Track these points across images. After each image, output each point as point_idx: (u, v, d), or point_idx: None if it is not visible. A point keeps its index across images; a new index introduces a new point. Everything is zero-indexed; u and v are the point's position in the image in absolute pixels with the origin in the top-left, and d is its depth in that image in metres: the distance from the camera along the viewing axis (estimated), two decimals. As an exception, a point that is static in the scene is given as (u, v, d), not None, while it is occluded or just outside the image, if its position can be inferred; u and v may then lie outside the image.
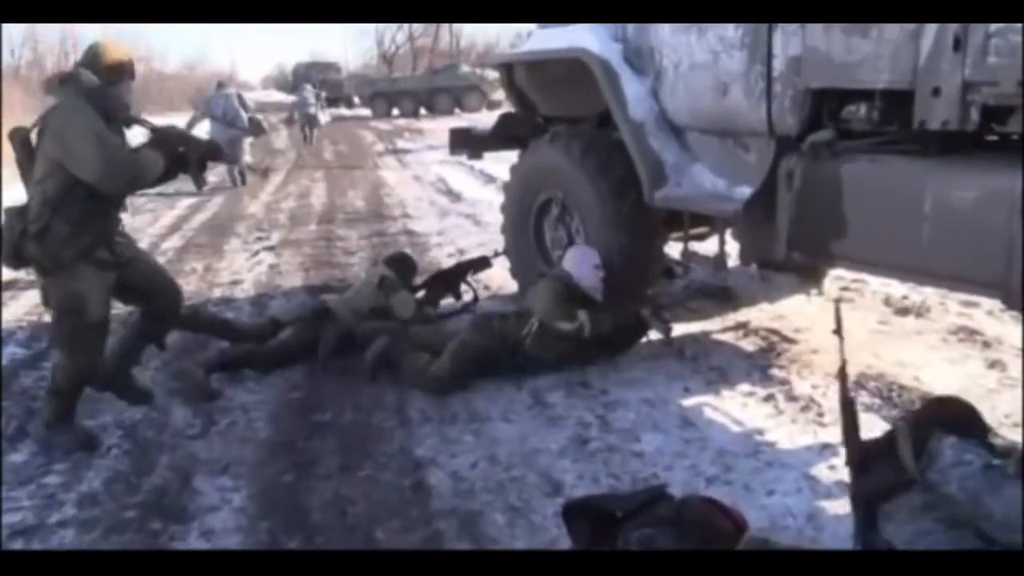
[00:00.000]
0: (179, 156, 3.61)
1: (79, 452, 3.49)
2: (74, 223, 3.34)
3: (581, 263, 4.31)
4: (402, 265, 5.00)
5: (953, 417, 2.06)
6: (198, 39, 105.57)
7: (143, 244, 8.18)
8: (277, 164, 15.73)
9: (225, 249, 7.87)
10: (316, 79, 31.18)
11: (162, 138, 3.61)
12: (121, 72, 3.50)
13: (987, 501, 1.82)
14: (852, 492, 2.14)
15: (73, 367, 3.51)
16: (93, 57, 3.47)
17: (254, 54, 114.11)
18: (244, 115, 11.91)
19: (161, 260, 7.37)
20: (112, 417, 3.87)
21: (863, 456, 2.15)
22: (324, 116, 20.74)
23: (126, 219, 7.86)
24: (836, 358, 3.88)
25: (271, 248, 7.78)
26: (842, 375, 2.36)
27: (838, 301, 2.85)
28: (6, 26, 41.23)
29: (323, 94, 23.84)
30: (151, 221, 9.77)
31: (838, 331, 2.43)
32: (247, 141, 12.74)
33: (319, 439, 3.58)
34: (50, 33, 41.00)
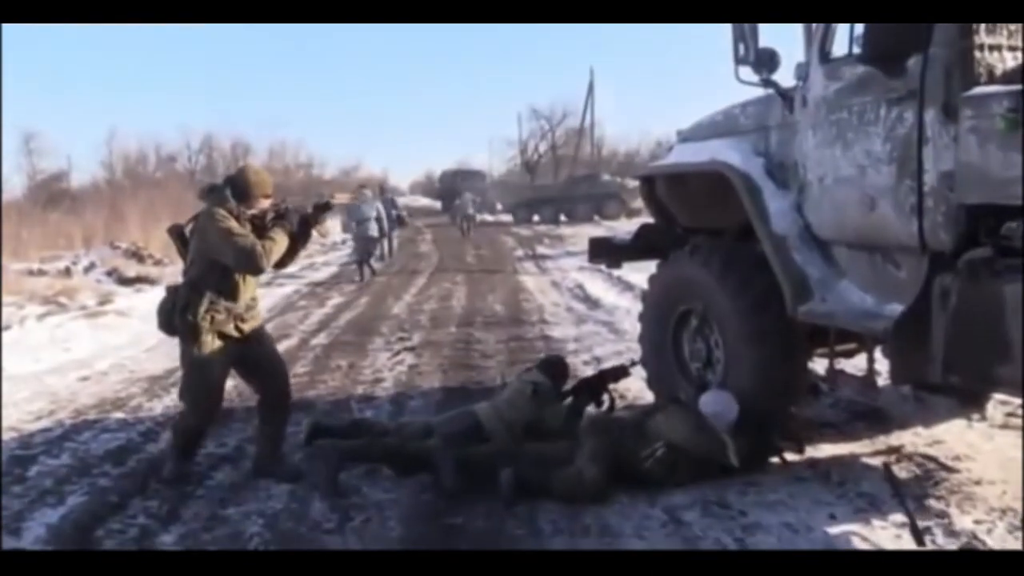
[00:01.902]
0: (302, 221, 4.39)
1: (178, 481, 4.27)
2: (209, 302, 4.16)
3: (717, 416, 4.18)
4: (555, 370, 4.89)
5: None
6: (354, 148, 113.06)
7: (294, 340, 8.66)
8: (421, 267, 16.40)
9: (369, 348, 8.19)
10: (461, 186, 32.59)
11: (281, 215, 4.34)
12: (255, 191, 4.29)
13: None
14: None
15: (192, 416, 4.33)
16: (238, 175, 4.37)
17: (404, 161, 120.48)
18: (394, 213, 16.49)
19: (309, 356, 7.79)
20: (256, 506, 4.03)
21: None
22: (478, 216, 26.72)
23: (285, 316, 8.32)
24: (1002, 491, 3.61)
25: (412, 349, 8.03)
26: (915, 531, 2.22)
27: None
28: (184, 136, 45.61)
29: (478, 199, 28.00)
30: (302, 318, 10.33)
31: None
32: (396, 232, 17.39)
33: (450, 543, 3.58)
34: (223, 141, 45.05)
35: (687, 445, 4.06)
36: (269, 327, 9.45)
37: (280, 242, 4.25)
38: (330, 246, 23.29)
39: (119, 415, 5.80)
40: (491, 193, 37.65)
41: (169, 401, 6.09)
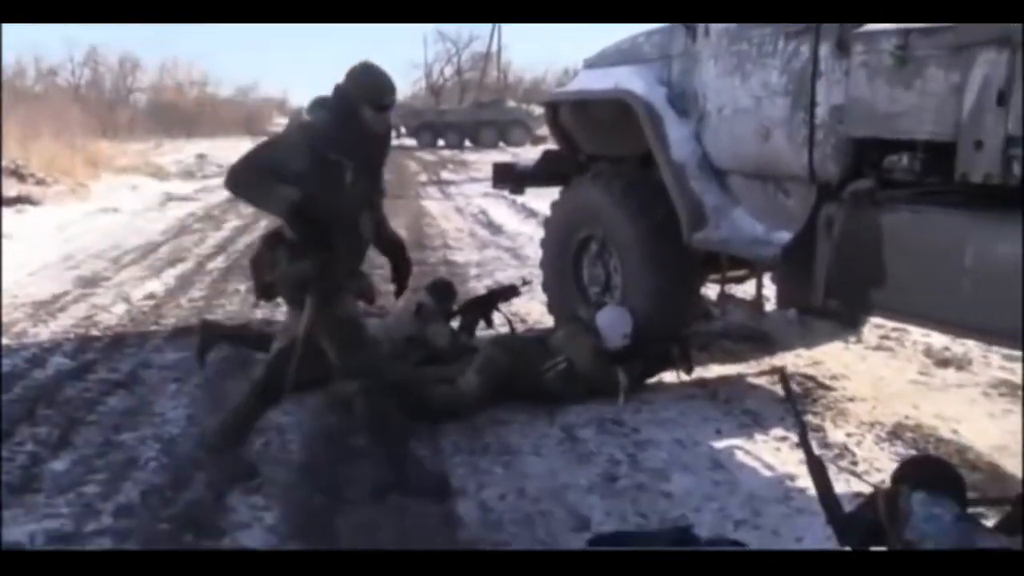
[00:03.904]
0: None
1: (438, 497, 3.27)
2: (309, 263, 3.19)
3: (612, 327, 4.40)
4: (442, 293, 5.03)
5: (927, 476, 2.07)
6: (252, 66, 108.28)
7: (189, 263, 8.40)
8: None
9: (268, 272, 8.00)
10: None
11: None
12: (355, 93, 3.18)
13: None
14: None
15: (376, 390, 3.36)
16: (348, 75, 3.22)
17: (305, 82, 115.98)
18: None
19: (206, 279, 7.58)
20: (151, 431, 3.96)
21: (849, 518, 2.16)
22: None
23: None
24: (872, 407, 3.88)
25: (313, 273, 7.89)
26: (803, 437, 2.41)
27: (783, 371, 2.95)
28: (67, 48, 42.66)
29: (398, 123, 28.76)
30: (198, 241, 10.00)
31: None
32: None
33: (351, 464, 3.62)
34: (110, 54, 42.45)
35: (585, 373, 4.20)
36: (163, 251, 9.23)
37: (274, 200, 3.13)
38: (227, 167, 22.50)
39: (3, 340, 5.55)
40: (394, 116, 36.86)
41: (56, 326, 5.86)
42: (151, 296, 6.88)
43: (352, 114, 3.17)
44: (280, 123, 44.92)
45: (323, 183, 3.14)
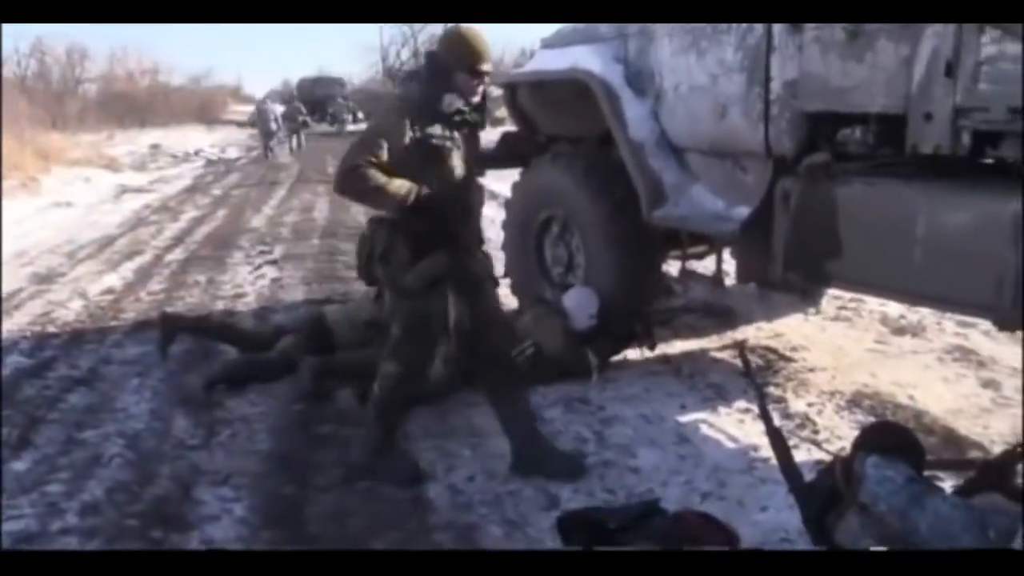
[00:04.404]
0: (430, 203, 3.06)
1: (409, 483, 3.24)
2: (412, 248, 3.11)
3: (579, 308, 4.42)
4: None
5: (886, 441, 2.13)
6: (205, 53, 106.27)
7: (147, 256, 8.27)
8: (280, 178, 15.84)
9: (228, 262, 7.93)
10: (321, 94, 31.26)
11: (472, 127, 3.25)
12: (450, 59, 3.09)
13: (913, 515, 1.86)
14: (803, 518, 2.21)
15: (407, 380, 3.31)
16: (441, 40, 3.18)
17: (260, 68, 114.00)
18: (300, 118, 21.51)
19: (164, 272, 7.47)
20: (114, 427, 3.91)
21: (809, 486, 2.22)
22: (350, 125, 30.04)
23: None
24: (832, 376, 3.96)
25: (274, 262, 7.83)
26: (763, 409, 2.46)
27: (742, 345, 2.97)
28: (12, 39, 41.49)
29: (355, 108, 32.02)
30: (155, 233, 9.85)
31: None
32: (303, 133, 22.12)
33: (320, 452, 3.62)
34: (56, 45, 41.29)
35: (555, 355, 4.22)
36: (120, 244, 9.07)
37: (387, 193, 2.97)
38: (182, 157, 22.14)
39: (-45, 340, 5.43)
40: (351, 100, 36.33)
41: (11, 324, 5.74)
42: (109, 290, 6.77)
43: (446, 81, 3.05)
44: (236, 111, 44.29)
45: (433, 166, 3.06)
